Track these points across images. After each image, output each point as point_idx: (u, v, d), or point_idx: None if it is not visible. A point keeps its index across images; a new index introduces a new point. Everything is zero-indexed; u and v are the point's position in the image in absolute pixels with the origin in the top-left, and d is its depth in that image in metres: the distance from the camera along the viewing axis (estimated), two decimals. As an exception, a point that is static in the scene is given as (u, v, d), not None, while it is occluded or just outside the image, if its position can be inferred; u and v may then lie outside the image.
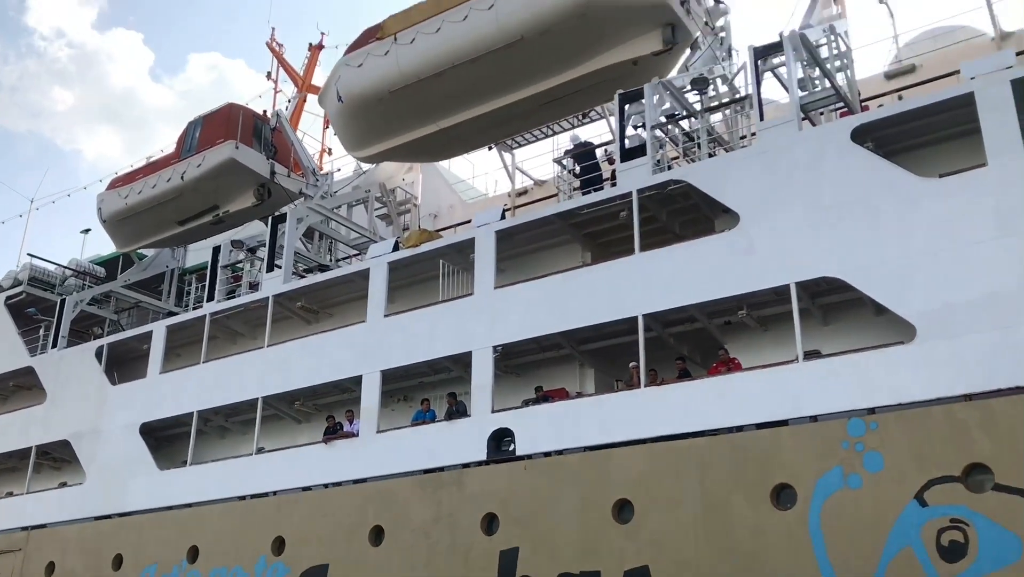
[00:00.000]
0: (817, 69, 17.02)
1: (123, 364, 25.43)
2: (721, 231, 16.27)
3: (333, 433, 19.77)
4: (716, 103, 18.58)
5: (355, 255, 25.21)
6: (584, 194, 18.78)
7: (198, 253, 28.55)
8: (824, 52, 17.57)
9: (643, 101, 17.51)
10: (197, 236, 26.71)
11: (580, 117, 22.80)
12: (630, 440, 15.19)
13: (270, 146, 25.12)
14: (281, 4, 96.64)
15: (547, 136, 23.79)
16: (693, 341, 17.26)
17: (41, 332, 27.68)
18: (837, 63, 17.71)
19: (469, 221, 22.34)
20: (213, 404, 22.17)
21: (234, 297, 23.57)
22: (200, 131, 25.24)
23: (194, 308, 25.46)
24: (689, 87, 18.00)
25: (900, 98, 18.69)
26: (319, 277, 22.24)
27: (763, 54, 16.64)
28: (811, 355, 14.38)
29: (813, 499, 13.08)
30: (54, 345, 26.88)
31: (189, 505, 21.00)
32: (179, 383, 22.99)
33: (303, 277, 22.79)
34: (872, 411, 13.14)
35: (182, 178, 24.80)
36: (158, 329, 24.33)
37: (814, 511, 13.02)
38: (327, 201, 24.34)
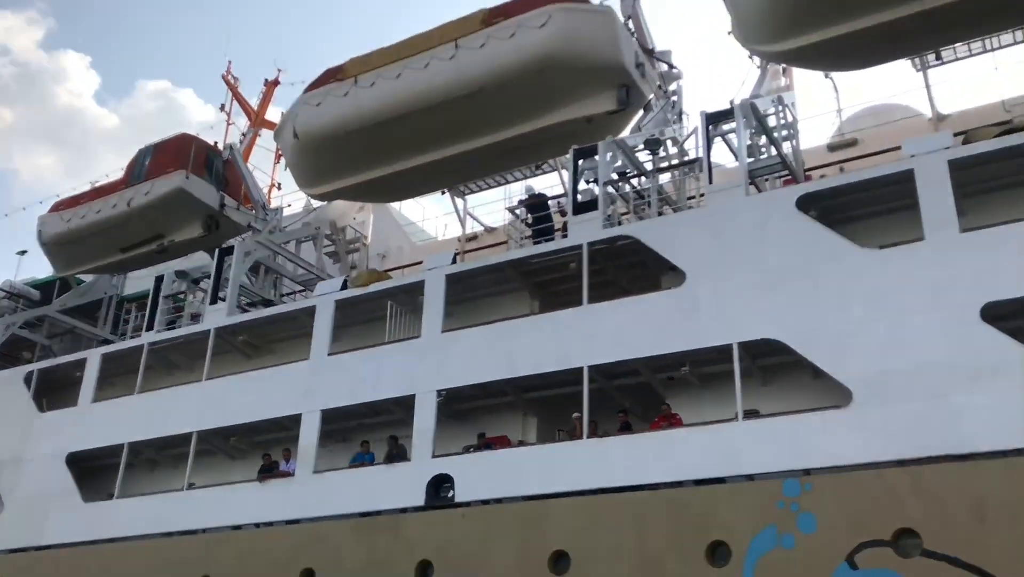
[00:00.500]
0: (764, 137, 17.64)
1: (53, 391, 24.66)
2: (668, 288, 16.57)
3: (268, 471, 19.43)
4: (667, 164, 19.07)
5: (300, 291, 25.06)
6: (536, 244, 19.04)
7: (137, 281, 28.04)
8: (772, 121, 18.20)
9: (597, 158, 17.91)
10: (139, 264, 26.29)
11: (534, 168, 23.17)
12: (570, 491, 15.25)
13: (221, 178, 25.00)
14: (238, 38, 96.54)
15: (500, 184, 24.11)
16: (636, 395, 17.45)
17: (-33, 355, 26.80)
18: (784, 132, 18.33)
19: (418, 263, 22.43)
20: (146, 436, 21.64)
21: (174, 328, 23.17)
22: (151, 159, 25.02)
23: (132, 337, 24.94)
24: (642, 147, 18.46)
25: (842, 170, 19.47)
26: (264, 312, 22.04)
27: (715, 120, 17.18)
28: (750, 414, 14.66)
29: (747, 557, 13.23)
30: (-19, 368, 26.01)
31: (113, 540, 20.31)
32: (111, 413, 22.38)
33: (246, 311, 22.55)
34: (808, 472, 13.39)
35: (128, 205, 24.48)
36: (93, 356, 23.75)
37: (747, 569, 13.16)
38: (276, 236, 24.21)
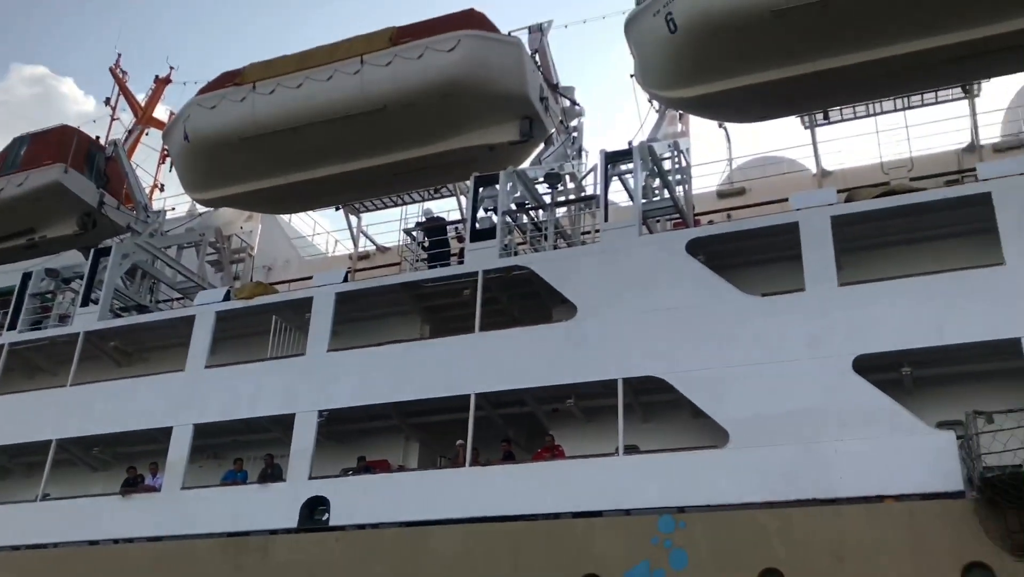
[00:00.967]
0: (659, 180, 18.13)
1: None
2: (558, 320, 16.78)
3: (133, 485, 18.54)
4: (565, 198, 19.33)
5: (179, 299, 24.13)
6: (430, 267, 18.94)
7: (1, 276, 26.42)
8: (667, 165, 18.73)
9: (497, 187, 18.02)
10: (5, 259, 24.76)
11: (432, 191, 23.10)
12: (448, 518, 15.13)
13: (102, 175, 23.94)
14: (131, 29, 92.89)
15: (396, 204, 23.94)
16: (520, 424, 17.52)
17: None
18: (678, 176, 18.90)
19: (307, 278, 21.96)
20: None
21: (40, 328, 21.92)
22: (27, 148, 23.75)
23: (-10, 335, 23.43)
24: (542, 179, 18.66)
25: (729, 217, 20.18)
26: (139, 318, 21.16)
27: (613, 159, 17.60)
28: (630, 449, 14.94)
29: (619, 591, 13.43)
30: None
31: (-47, 552, 18.94)
32: (-39, 415, 20.92)
33: (119, 316, 21.55)
34: (682, 510, 13.72)
35: (-1, 195, 23.11)
36: (-56, 355, 22.16)
37: (619, 603, 13.35)
38: (156, 240, 23.32)
